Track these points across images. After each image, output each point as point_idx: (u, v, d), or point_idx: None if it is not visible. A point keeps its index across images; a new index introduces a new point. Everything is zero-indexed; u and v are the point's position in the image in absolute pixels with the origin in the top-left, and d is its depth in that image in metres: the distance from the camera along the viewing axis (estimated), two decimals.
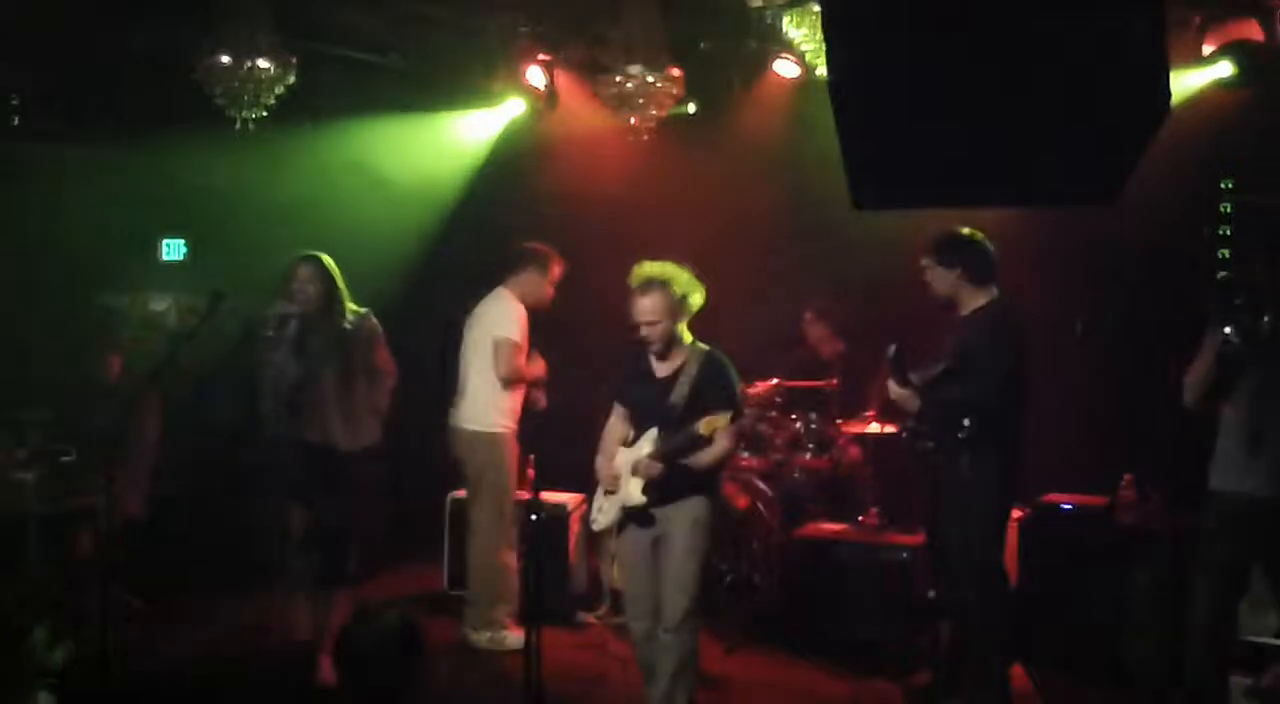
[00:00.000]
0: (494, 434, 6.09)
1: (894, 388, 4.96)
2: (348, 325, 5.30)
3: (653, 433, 4.65)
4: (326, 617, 5.36)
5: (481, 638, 6.05)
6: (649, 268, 4.65)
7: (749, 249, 7.27)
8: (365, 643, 2.99)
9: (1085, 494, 5.84)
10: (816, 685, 5.61)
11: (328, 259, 5.37)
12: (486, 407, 6.09)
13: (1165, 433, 5.50)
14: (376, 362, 5.43)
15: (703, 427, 4.45)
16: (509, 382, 6.04)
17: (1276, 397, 4.32)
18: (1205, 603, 4.42)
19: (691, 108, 7.45)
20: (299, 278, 5.27)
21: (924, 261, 5.00)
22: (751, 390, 6.73)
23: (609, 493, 4.78)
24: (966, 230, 4.97)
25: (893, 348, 4.90)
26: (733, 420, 4.66)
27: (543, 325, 6.29)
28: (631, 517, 4.71)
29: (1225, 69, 5.85)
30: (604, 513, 4.82)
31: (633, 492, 4.63)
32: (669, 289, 4.58)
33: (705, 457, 4.61)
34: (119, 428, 6.07)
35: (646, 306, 4.59)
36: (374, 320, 5.43)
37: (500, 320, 6.08)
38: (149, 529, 6.37)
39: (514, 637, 5.89)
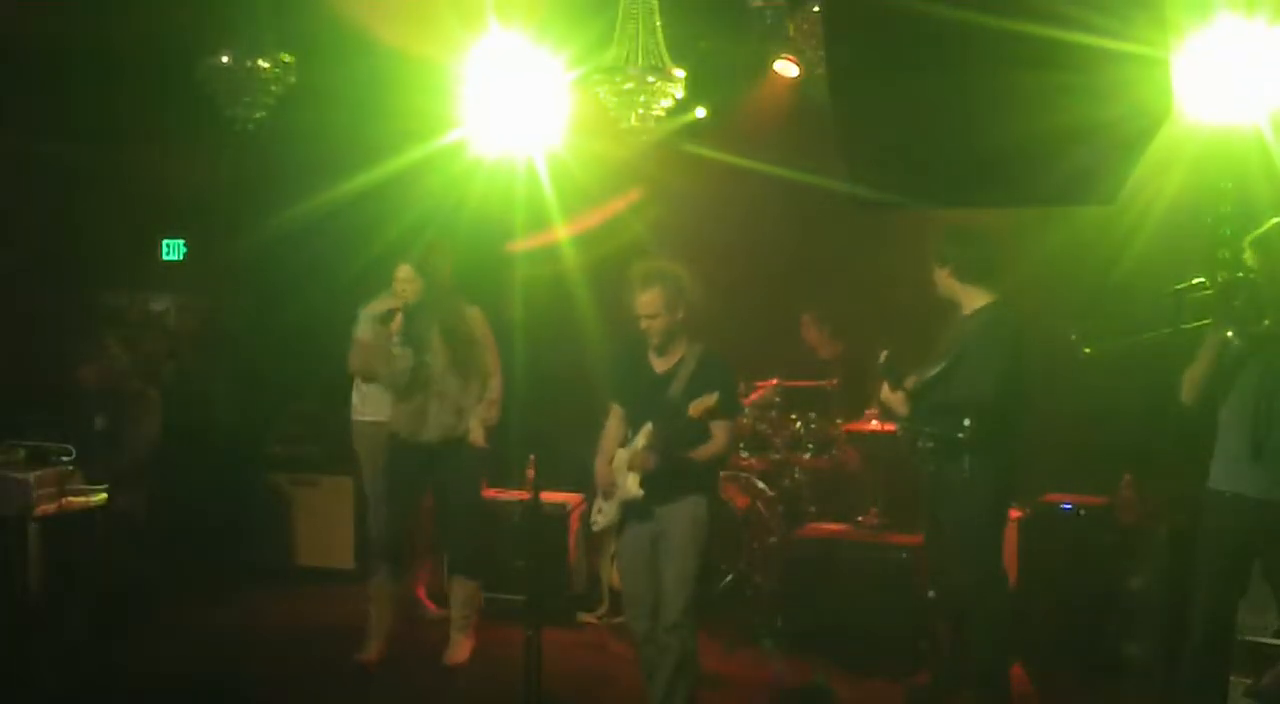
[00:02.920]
0: (351, 421, 6.47)
1: (886, 392, 4.98)
2: (451, 319, 5.63)
3: (648, 427, 4.67)
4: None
5: None
6: (649, 264, 4.73)
7: (749, 248, 7.27)
8: None
9: (1085, 494, 5.83)
10: None
11: (433, 257, 5.66)
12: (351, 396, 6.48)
13: (1165, 433, 5.49)
14: (480, 360, 5.71)
15: (692, 409, 4.49)
16: (357, 375, 6.25)
17: (1276, 397, 4.31)
18: (1205, 603, 4.42)
19: (701, 112, 7.45)
20: (398, 278, 5.60)
21: (933, 261, 5.00)
22: (752, 397, 6.75)
23: (608, 494, 4.80)
24: (970, 228, 4.95)
25: (884, 355, 4.92)
26: (729, 417, 4.68)
27: (542, 325, 6.30)
28: (631, 512, 4.72)
29: None
30: (603, 513, 4.83)
31: (630, 486, 4.65)
32: (669, 285, 4.65)
33: (703, 452, 4.63)
34: (116, 428, 6.08)
35: (646, 301, 4.66)
36: (474, 316, 5.73)
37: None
38: (149, 529, 6.37)
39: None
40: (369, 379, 6.11)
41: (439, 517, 5.97)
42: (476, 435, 5.69)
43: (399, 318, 5.53)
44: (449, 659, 5.81)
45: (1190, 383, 4.42)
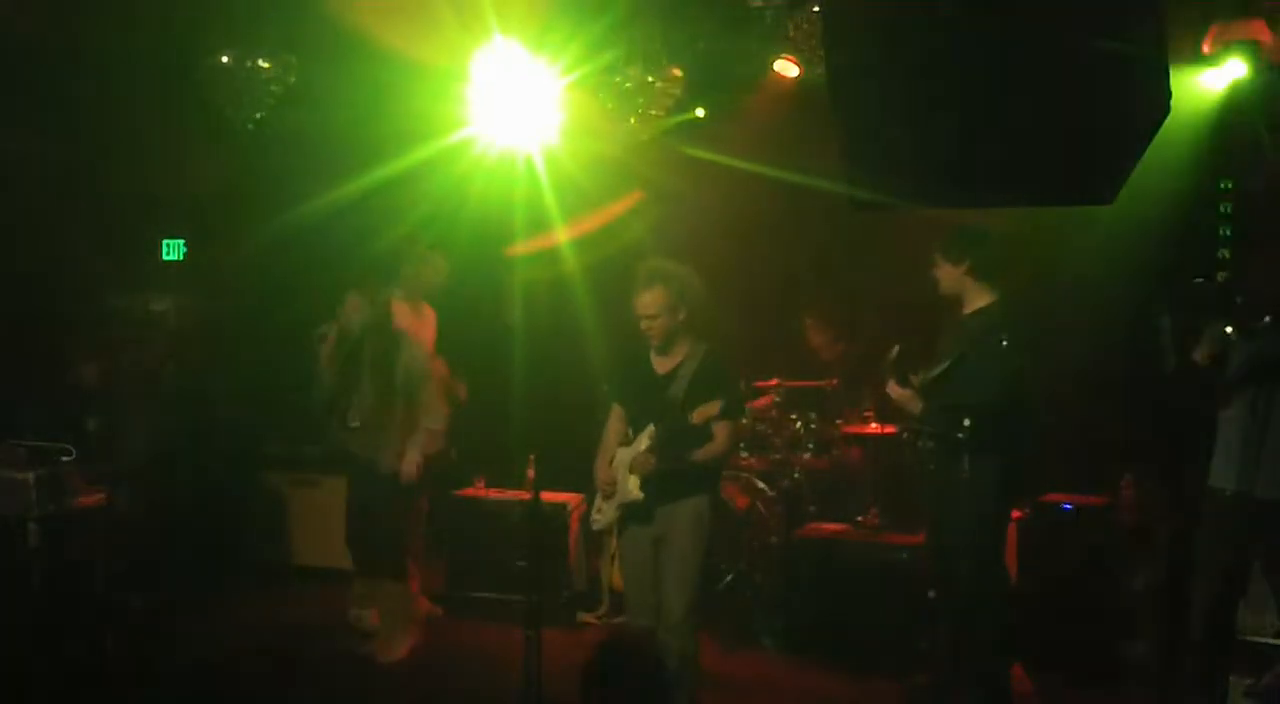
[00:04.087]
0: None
1: (895, 390, 4.95)
2: (386, 354, 5.72)
3: (649, 428, 4.65)
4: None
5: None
6: (653, 263, 4.69)
7: (749, 249, 7.26)
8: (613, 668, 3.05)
9: (1085, 494, 5.83)
10: (816, 685, 5.60)
11: (383, 288, 5.80)
12: None
13: (1165, 433, 5.49)
14: (421, 395, 5.79)
15: (695, 416, 4.47)
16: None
17: (1276, 396, 4.31)
18: (1205, 603, 4.42)
19: (700, 112, 7.45)
20: (347, 307, 5.69)
21: (935, 258, 4.98)
22: (757, 403, 6.75)
23: (607, 495, 4.79)
24: (978, 227, 4.95)
25: (895, 350, 4.90)
26: (731, 418, 4.68)
27: (543, 325, 6.30)
28: (630, 514, 4.71)
29: (1238, 69, 5.84)
30: (603, 513, 4.82)
31: (630, 488, 4.64)
32: (671, 285, 4.62)
33: (703, 453, 4.61)
34: (115, 427, 6.08)
35: (648, 301, 4.63)
36: (416, 353, 5.79)
37: None
38: (148, 528, 6.36)
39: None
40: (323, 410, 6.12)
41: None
42: (408, 469, 5.75)
43: (331, 340, 5.65)
44: (379, 656, 5.86)
45: (1186, 381, 4.41)
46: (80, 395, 6.42)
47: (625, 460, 4.70)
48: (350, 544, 6.02)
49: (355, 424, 5.76)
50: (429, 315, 6.51)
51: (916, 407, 4.90)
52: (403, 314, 6.11)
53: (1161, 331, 4.47)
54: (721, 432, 4.63)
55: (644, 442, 4.65)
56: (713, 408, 4.46)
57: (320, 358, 5.66)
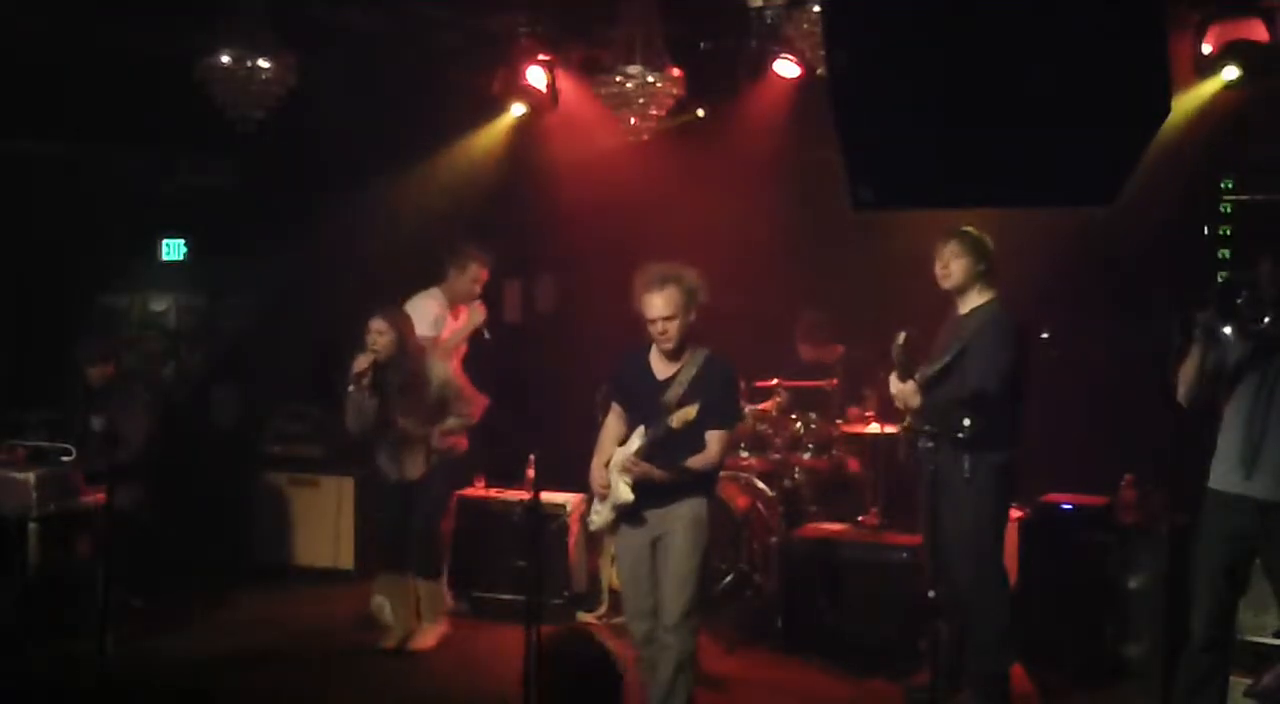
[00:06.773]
0: None
1: (895, 384, 4.94)
2: (416, 369, 5.88)
3: (640, 430, 4.63)
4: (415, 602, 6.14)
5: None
6: (660, 266, 4.66)
7: (748, 249, 7.26)
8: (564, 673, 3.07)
9: (1085, 494, 5.83)
10: (816, 685, 5.60)
11: (401, 311, 5.97)
12: None
13: (1165, 433, 5.49)
14: (453, 405, 5.99)
15: (674, 420, 4.45)
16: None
17: (1276, 396, 4.31)
18: (1205, 603, 4.42)
19: (700, 113, 7.44)
20: (371, 330, 5.80)
21: (951, 248, 4.95)
22: (762, 407, 6.74)
23: (601, 497, 4.78)
24: (976, 229, 4.96)
25: (901, 336, 4.84)
26: (726, 427, 4.66)
27: (540, 327, 6.29)
28: (623, 516, 4.70)
29: (1230, 71, 5.86)
30: (599, 514, 4.82)
31: (621, 490, 4.62)
32: (681, 286, 4.59)
33: (695, 461, 4.58)
34: (115, 427, 6.08)
35: (661, 303, 4.57)
36: (439, 371, 5.96)
37: (415, 318, 6.29)
38: (149, 528, 6.36)
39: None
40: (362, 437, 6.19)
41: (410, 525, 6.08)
42: (436, 440, 5.93)
43: (369, 374, 5.76)
44: (412, 645, 6.01)
45: (1184, 382, 4.41)
46: (80, 395, 6.42)
47: (619, 462, 4.69)
48: (385, 553, 6.17)
49: (390, 445, 5.96)
50: (477, 313, 6.63)
51: (916, 402, 4.88)
52: (429, 323, 6.32)
53: (1161, 331, 4.47)
54: (715, 441, 4.61)
55: (635, 443, 4.64)
56: (689, 412, 4.43)
57: (360, 391, 5.77)
